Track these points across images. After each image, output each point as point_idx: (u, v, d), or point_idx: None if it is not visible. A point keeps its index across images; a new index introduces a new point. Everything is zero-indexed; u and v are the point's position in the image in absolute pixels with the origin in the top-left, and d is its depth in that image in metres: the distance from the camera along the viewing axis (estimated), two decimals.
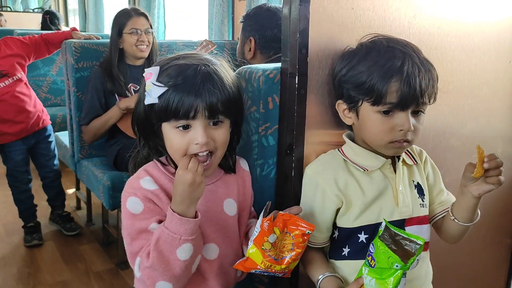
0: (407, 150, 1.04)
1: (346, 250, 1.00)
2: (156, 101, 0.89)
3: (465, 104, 1.33)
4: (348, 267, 0.99)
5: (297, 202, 1.03)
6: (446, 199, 1.08)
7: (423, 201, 1.03)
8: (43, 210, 2.67)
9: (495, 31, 1.34)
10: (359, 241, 0.98)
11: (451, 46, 1.24)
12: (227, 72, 0.96)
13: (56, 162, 2.57)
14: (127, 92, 2.16)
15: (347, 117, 1.00)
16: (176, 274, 0.87)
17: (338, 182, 0.98)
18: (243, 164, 1.08)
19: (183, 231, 0.85)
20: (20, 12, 7.45)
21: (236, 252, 1.03)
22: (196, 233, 0.87)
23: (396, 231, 0.85)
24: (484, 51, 1.33)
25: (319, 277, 0.98)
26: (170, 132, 0.92)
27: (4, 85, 2.27)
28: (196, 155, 0.90)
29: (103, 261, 2.33)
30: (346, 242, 1.00)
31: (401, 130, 0.92)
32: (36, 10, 7.07)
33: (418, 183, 1.04)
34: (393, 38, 0.96)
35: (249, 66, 1.08)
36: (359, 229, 0.98)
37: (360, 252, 0.97)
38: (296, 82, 0.99)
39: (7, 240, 2.54)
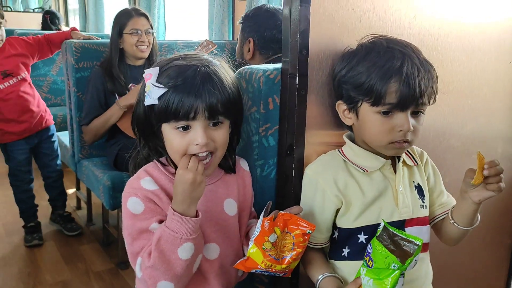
0: (408, 151, 1.04)
1: (346, 251, 1.00)
2: (156, 102, 0.90)
3: (465, 104, 1.34)
4: (348, 268, 0.99)
5: (297, 202, 1.03)
6: (446, 201, 1.08)
7: (423, 202, 1.04)
8: (43, 210, 2.67)
9: (495, 32, 1.34)
10: (359, 241, 0.99)
11: (451, 47, 1.24)
12: (226, 72, 0.96)
13: (59, 162, 2.57)
14: (127, 92, 2.16)
15: (347, 118, 1.00)
16: (178, 274, 0.88)
17: (337, 183, 0.98)
18: (243, 164, 1.09)
19: (184, 230, 0.85)
20: (20, 12, 7.44)
21: (236, 252, 1.03)
22: (197, 232, 0.87)
23: (394, 232, 0.84)
24: (484, 52, 1.33)
25: (319, 277, 0.98)
26: (170, 133, 0.92)
27: (9, 84, 2.28)
28: (195, 155, 0.91)
29: (103, 261, 2.33)
30: (346, 242, 1.00)
31: (400, 130, 0.92)
32: (36, 10, 7.06)
33: (418, 183, 1.04)
34: (393, 38, 0.96)
35: (249, 66, 1.09)
36: (359, 230, 0.98)
37: (360, 252, 0.97)
38: (297, 83, 0.99)
39: (7, 240, 2.54)
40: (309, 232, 0.92)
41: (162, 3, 3.88)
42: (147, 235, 0.91)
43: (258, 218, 0.94)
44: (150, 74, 0.91)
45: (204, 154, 0.91)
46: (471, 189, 0.92)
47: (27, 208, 2.51)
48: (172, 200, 0.89)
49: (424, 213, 1.04)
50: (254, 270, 0.95)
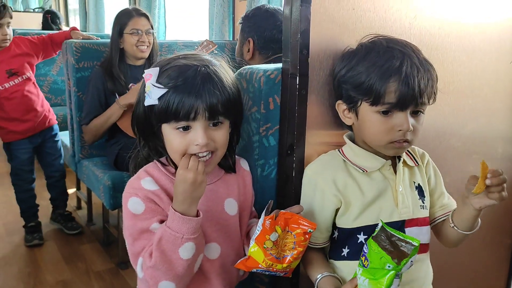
0: (408, 151, 1.04)
1: (345, 251, 1.00)
2: (156, 102, 0.90)
3: (466, 104, 1.34)
4: (348, 268, 0.99)
5: (297, 202, 1.03)
6: (447, 203, 1.07)
7: (423, 202, 1.03)
8: (43, 210, 2.67)
9: (495, 32, 1.34)
10: (358, 241, 0.99)
11: (451, 47, 1.25)
12: (226, 73, 0.96)
13: (61, 161, 2.58)
14: (127, 92, 2.16)
15: (347, 118, 1.00)
16: (179, 274, 0.88)
17: (337, 183, 0.98)
18: (243, 164, 1.09)
19: (185, 230, 0.85)
20: (20, 12, 7.43)
21: (237, 252, 1.03)
22: (198, 232, 0.88)
23: (392, 232, 0.84)
24: (484, 52, 1.33)
25: (317, 277, 0.98)
26: (170, 133, 0.92)
27: (14, 83, 2.29)
28: (196, 155, 0.91)
29: (104, 261, 2.33)
30: (346, 242, 1.00)
31: (400, 130, 0.92)
32: (36, 10, 7.05)
33: (419, 184, 1.04)
34: (393, 38, 0.96)
35: (250, 66, 1.09)
36: (358, 230, 0.99)
37: (359, 252, 0.97)
38: (297, 83, 0.99)
39: (7, 239, 2.54)
40: (310, 231, 0.92)
41: (163, 3, 3.88)
42: (148, 235, 0.91)
43: (259, 218, 0.94)
44: (150, 75, 0.91)
45: (204, 154, 0.91)
46: (473, 195, 0.92)
47: (27, 208, 2.51)
48: (172, 200, 0.89)
49: (424, 213, 1.04)
50: (255, 270, 0.95)
